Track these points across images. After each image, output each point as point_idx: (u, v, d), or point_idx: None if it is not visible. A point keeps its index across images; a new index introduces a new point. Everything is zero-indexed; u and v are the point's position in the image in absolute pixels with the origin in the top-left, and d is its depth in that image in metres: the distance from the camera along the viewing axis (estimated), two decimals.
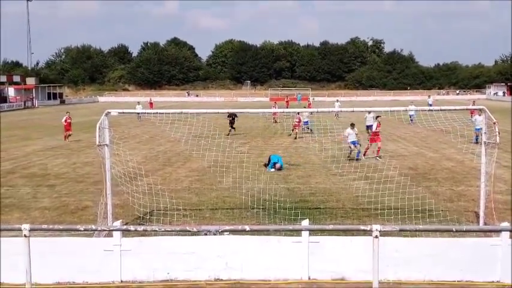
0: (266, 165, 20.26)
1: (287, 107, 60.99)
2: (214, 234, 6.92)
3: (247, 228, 6.90)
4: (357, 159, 22.16)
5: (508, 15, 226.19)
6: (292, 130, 31.37)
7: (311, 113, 31.22)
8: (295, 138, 30.00)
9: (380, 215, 13.21)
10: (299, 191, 16.44)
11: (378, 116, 23.87)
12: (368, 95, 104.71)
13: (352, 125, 22.63)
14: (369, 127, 28.82)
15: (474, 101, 44.32)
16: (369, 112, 28.38)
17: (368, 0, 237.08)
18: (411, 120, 35.85)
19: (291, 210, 13.31)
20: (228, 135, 30.67)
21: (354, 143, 22.46)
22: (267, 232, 9.45)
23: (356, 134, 22.61)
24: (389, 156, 23.25)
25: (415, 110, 15.16)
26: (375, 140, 23.33)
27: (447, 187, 17.00)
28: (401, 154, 24.52)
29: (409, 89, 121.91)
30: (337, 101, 54.06)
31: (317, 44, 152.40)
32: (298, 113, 30.17)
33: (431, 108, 16.02)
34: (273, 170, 19.74)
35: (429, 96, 66.71)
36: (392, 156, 23.47)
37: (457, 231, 5.47)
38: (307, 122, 32.66)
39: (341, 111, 15.68)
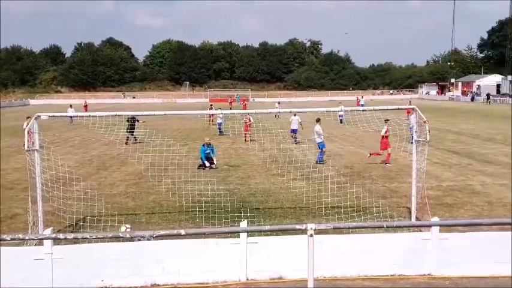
0: (200, 165, 20.28)
1: (231, 109, 60.23)
2: (148, 240, 6.76)
3: (182, 232, 6.75)
4: (321, 162, 21.71)
5: (439, 15, 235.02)
6: (245, 135, 29.77)
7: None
8: (246, 140, 28.75)
9: (318, 213, 13.42)
10: (238, 192, 16.42)
11: (387, 120, 21.86)
12: (306, 96, 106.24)
13: (318, 120, 22.77)
14: (293, 131, 28.27)
15: (410, 101, 45.54)
16: (294, 114, 28.18)
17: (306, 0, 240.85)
18: (341, 121, 36.46)
19: (230, 211, 13.27)
20: (126, 143, 26.66)
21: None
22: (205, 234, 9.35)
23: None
24: (327, 156, 23.62)
25: (345, 110, 15.45)
26: (386, 146, 21.74)
27: (381, 184, 17.46)
28: (338, 153, 24.98)
29: (352, 89, 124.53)
30: (279, 103, 54.44)
31: (256, 45, 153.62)
32: (248, 114, 29.67)
33: (364, 108, 16.37)
34: (209, 164, 20.00)
35: (362, 96, 68.09)
36: (330, 156, 23.88)
37: (388, 227, 5.58)
38: (220, 123, 32.99)
39: (279, 112, 15.84)
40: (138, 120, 28.26)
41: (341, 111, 22.85)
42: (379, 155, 22.04)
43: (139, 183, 17.83)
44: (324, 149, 22.14)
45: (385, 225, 5.15)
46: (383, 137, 21.71)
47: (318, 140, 22.10)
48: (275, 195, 15.94)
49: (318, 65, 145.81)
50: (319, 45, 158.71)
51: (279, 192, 16.31)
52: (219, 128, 33.20)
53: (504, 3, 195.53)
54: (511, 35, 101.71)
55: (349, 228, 6.38)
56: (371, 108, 13.33)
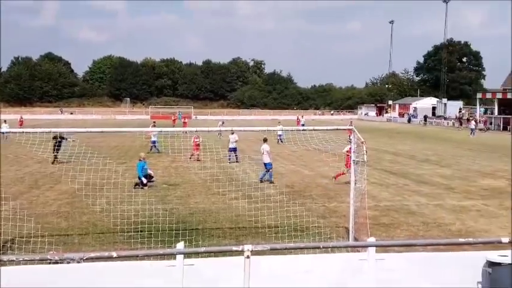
0: (137, 184, 19.79)
1: (174, 126, 59.04)
2: (78, 262, 6.43)
3: (114, 254, 6.50)
4: (270, 181, 21.59)
5: (377, 38, 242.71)
6: (192, 155, 28.70)
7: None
8: (198, 160, 27.57)
9: (258, 233, 13.29)
10: (177, 211, 16.07)
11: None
12: (250, 114, 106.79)
13: (265, 140, 22.76)
14: (232, 149, 28.08)
15: (351, 121, 46.22)
16: (232, 133, 28.02)
17: (250, 20, 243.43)
18: (280, 140, 36.57)
19: (168, 232, 12.92)
20: (53, 163, 25.96)
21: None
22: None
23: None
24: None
25: (282, 130, 15.51)
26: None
27: (321, 204, 17.57)
28: (280, 172, 25.03)
29: (296, 109, 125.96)
30: (223, 122, 54.28)
31: (200, 63, 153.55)
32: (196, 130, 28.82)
33: (304, 128, 16.48)
34: (147, 181, 19.59)
35: (302, 116, 68.73)
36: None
37: (324, 247, 5.53)
38: (154, 141, 32.40)
39: (220, 130, 15.69)
40: (66, 139, 26.19)
41: (280, 130, 22.89)
42: (344, 174, 21.64)
43: (72, 202, 17.15)
44: (271, 169, 22.06)
45: (321, 246, 5.10)
46: (347, 155, 21.66)
47: (267, 160, 22.02)
48: (215, 215, 15.71)
49: (261, 84, 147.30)
50: (262, 65, 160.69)
51: (219, 211, 16.09)
52: (154, 146, 32.60)
53: (439, 29, 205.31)
54: (445, 60, 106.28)
55: (285, 249, 6.28)
56: (311, 128, 13.40)
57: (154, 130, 23.64)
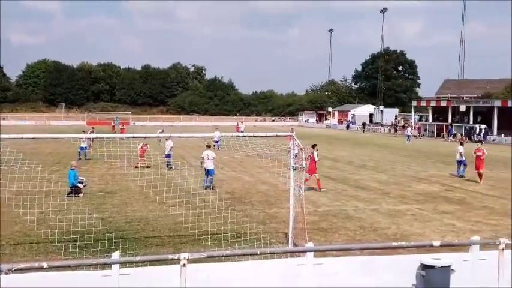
0: (71, 192, 19.20)
1: (113, 132, 57.44)
2: (7, 274, 6.09)
3: (44, 265, 6.22)
4: (211, 187, 21.53)
5: (317, 46, 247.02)
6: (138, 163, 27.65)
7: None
8: (142, 166, 26.27)
9: (197, 241, 13.12)
10: (113, 220, 15.66)
11: (314, 145, 22.70)
12: (190, 120, 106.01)
13: (209, 146, 22.82)
14: (167, 156, 27.64)
15: (293, 128, 46.40)
16: (166, 139, 27.58)
17: (189, 24, 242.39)
18: (217, 146, 36.32)
19: (104, 241, 12.55)
20: None
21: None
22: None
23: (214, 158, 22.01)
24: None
25: (222, 136, 15.43)
26: (313, 171, 21.73)
27: (261, 210, 17.59)
28: (220, 179, 24.89)
29: (239, 115, 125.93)
30: (162, 131, 53.39)
31: (139, 68, 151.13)
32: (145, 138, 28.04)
33: (244, 134, 16.44)
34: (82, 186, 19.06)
35: (242, 122, 68.76)
36: None
37: (261, 254, 5.48)
38: (83, 147, 31.50)
39: (159, 137, 15.41)
40: None
41: (218, 137, 22.85)
42: (307, 180, 21.59)
43: (3, 212, 16.36)
44: (213, 176, 21.92)
45: (258, 252, 5.04)
46: (312, 161, 21.81)
47: (211, 166, 21.82)
48: (153, 222, 15.41)
49: (201, 90, 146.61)
50: (203, 71, 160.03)
51: (157, 219, 15.81)
52: (84, 153, 31.65)
53: (377, 38, 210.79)
54: (382, 68, 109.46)
55: (223, 256, 6.20)
56: (251, 134, 13.38)
57: (85, 136, 22.83)
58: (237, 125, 67.08)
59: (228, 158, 30.65)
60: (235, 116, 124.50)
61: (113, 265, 8.70)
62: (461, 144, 28.16)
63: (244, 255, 8.48)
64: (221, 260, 9.23)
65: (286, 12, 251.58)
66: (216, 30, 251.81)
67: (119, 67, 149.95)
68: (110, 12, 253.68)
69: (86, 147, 31.51)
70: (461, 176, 26.43)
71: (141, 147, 27.73)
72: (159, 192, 17.59)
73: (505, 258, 8.79)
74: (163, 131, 52.83)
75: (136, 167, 25.73)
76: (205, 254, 5.42)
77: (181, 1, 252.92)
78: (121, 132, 47.46)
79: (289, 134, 13.07)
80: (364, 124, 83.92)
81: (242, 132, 46.91)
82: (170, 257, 5.59)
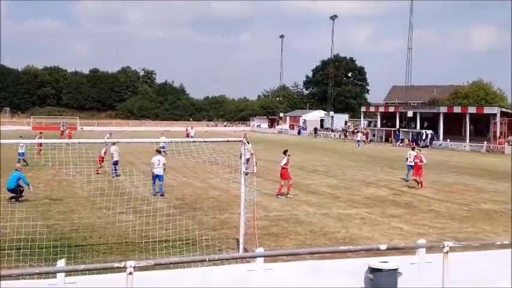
0: (12, 197, 18.59)
1: (62, 137, 55.66)
2: None
3: None
4: (161, 194, 21.16)
5: (269, 52, 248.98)
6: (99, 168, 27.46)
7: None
8: (97, 172, 26.09)
9: (146, 249, 12.89)
10: (60, 227, 15.20)
11: (285, 151, 23.09)
12: (140, 125, 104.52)
13: (159, 151, 22.45)
14: (115, 163, 26.99)
15: (245, 133, 46.18)
16: (113, 144, 27.01)
17: (139, 27, 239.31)
18: (163, 151, 35.71)
19: (49, 249, 12.15)
20: None
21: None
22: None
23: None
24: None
25: (171, 142, 15.23)
26: (287, 176, 22.24)
27: (212, 216, 17.46)
28: (171, 185, 24.62)
29: (192, 120, 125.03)
30: (110, 134, 52.43)
31: (86, 71, 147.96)
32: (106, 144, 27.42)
33: (194, 139, 16.25)
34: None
35: (191, 127, 68.08)
36: None
37: (210, 260, 5.40)
38: (22, 153, 30.77)
39: (106, 142, 15.08)
40: None
41: (163, 142, 22.62)
42: (282, 186, 22.16)
43: None
44: (162, 182, 21.61)
45: (207, 259, 4.96)
46: (282, 168, 22.19)
47: (161, 172, 21.47)
48: (100, 230, 15.05)
49: (152, 94, 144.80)
50: (153, 75, 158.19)
51: (105, 227, 15.45)
52: (23, 159, 30.76)
53: (327, 44, 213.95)
54: (332, 74, 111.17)
55: (171, 263, 6.07)
56: (201, 139, 13.27)
57: (24, 142, 22.03)
58: (187, 130, 66.46)
59: (179, 163, 30.33)
60: (188, 121, 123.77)
61: (57, 274, 8.42)
62: (413, 149, 28.91)
63: (192, 262, 8.36)
64: (170, 267, 9.09)
65: (238, 17, 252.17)
66: (167, 33, 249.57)
67: (66, 71, 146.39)
68: (57, 14, 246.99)
69: (23, 153, 30.66)
70: (410, 180, 27.10)
71: (103, 154, 27.54)
72: (107, 199, 17.22)
73: (450, 261, 9.00)
74: (111, 134, 51.99)
75: (97, 172, 25.37)
76: (152, 261, 5.29)
77: (130, 3, 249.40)
78: (68, 138, 46.22)
79: (240, 139, 13.02)
80: (316, 129, 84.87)
81: (192, 137, 46.41)
82: (116, 265, 5.43)
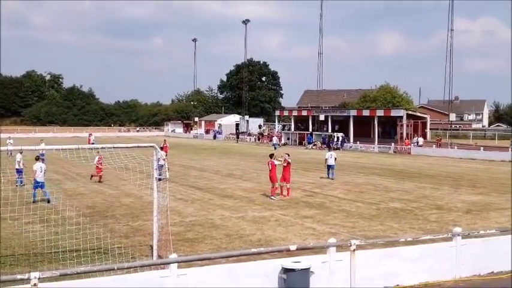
0: None
1: None
2: None
3: None
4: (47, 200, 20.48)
5: (182, 56, 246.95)
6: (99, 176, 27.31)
7: None
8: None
9: (55, 259, 12.35)
10: None
11: (271, 155, 23.79)
12: (47, 131, 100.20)
13: (37, 158, 21.51)
14: (19, 171, 25.54)
15: (165, 140, 44.75)
16: (20, 152, 25.68)
17: (44, 31, 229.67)
18: (42, 159, 34.09)
19: None
20: None
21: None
22: None
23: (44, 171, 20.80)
24: (68, 195, 22.34)
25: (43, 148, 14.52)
26: (275, 180, 22.76)
27: (124, 223, 17.04)
28: (81, 193, 23.81)
29: (113, 125, 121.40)
30: (9, 138, 49.81)
31: None
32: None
33: (103, 146, 15.70)
34: None
35: (90, 134, 65.99)
36: (71, 195, 22.63)
37: (118, 269, 5.24)
38: None
39: (8, 150, 14.30)
40: None
41: (42, 149, 21.90)
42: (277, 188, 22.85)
43: None
44: (44, 189, 20.89)
45: (115, 268, 4.80)
46: (273, 169, 22.54)
47: (43, 179, 20.71)
48: (6, 241, 14.26)
49: (59, 99, 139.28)
50: (61, 79, 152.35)
51: (11, 238, 14.66)
52: None
53: (241, 48, 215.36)
54: (247, 79, 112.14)
55: (77, 273, 5.84)
56: (110, 145, 12.90)
57: None
58: (89, 135, 64.58)
59: (90, 171, 29.33)
60: (112, 126, 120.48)
61: None
62: (330, 150, 30.13)
63: (99, 271, 8.09)
64: (81, 276, 8.75)
65: (149, 21, 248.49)
66: (75, 37, 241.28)
67: None
68: None
69: None
70: (332, 179, 28.99)
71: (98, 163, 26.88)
72: (11, 208, 16.30)
73: (356, 258, 9.32)
74: (10, 137, 49.48)
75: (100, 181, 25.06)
76: (57, 272, 5.07)
77: (36, 4, 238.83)
78: None
79: (151, 144, 12.78)
80: (237, 133, 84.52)
81: (93, 143, 44.76)
82: (19, 277, 5.14)
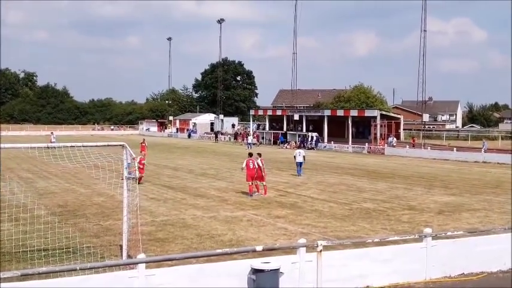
0: None
1: None
2: None
3: None
4: None
5: (156, 54, 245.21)
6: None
7: None
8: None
9: (23, 259, 12.15)
10: None
11: (259, 154, 24.67)
12: (21, 130, 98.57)
13: None
14: None
15: (144, 139, 44.10)
16: None
17: (20, 28, 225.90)
18: None
19: None
20: None
21: None
22: None
23: None
24: (39, 194, 22.00)
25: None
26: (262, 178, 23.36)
27: (95, 222, 16.86)
28: (52, 191, 23.50)
29: (95, 124, 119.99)
30: None
31: None
32: None
33: (72, 144, 15.48)
34: None
35: (52, 133, 65.17)
36: (42, 194, 22.30)
37: (81, 269, 5.19)
38: None
39: None
40: None
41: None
42: (265, 186, 23.57)
43: None
44: None
45: (77, 268, 4.76)
46: (259, 169, 23.09)
47: None
48: None
49: (33, 97, 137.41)
50: (34, 77, 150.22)
51: None
52: None
53: (216, 48, 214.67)
54: (221, 78, 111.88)
55: (39, 273, 5.76)
56: (80, 144, 12.74)
57: None
58: (51, 133, 63.81)
59: (61, 169, 28.98)
60: (94, 125, 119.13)
61: None
62: (299, 147, 30.68)
63: (61, 271, 7.98)
64: (49, 276, 8.61)
65: (124, 19, 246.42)
66: (49, 35, 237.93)
67: None
68: None
69: None
70: (299, 176, 30.22)
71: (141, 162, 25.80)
72: None
73: (323, 259, 9.35)
74: None
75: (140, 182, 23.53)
76: (18, 272, 4.98)
77: (9, 3, 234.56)
78: None
79: (121, 143, 12.65)
80: (216, 133, 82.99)
81: (53, 143, 43.93)
82: None
